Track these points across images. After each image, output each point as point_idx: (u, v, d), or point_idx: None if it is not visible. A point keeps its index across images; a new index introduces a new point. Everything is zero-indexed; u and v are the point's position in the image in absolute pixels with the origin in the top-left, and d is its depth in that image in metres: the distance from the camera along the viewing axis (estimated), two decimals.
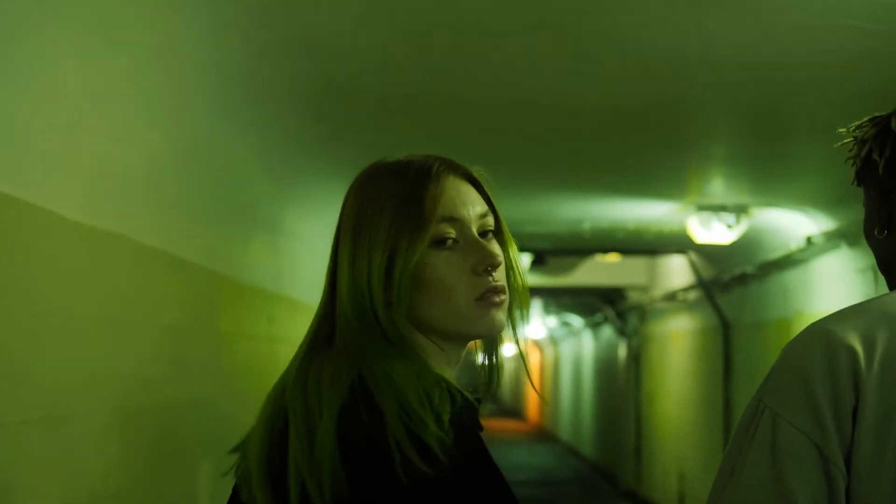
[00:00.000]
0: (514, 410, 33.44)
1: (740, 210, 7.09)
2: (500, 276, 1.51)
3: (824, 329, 1.58)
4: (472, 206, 1.52)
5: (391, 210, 1.47)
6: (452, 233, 1.49)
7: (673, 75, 4.18)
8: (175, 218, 4.06)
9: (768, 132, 5.22)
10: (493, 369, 1.61)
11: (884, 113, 1.76)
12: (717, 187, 6.78)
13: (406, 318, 1.48)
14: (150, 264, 3.77)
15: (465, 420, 1.42)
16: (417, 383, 1.39)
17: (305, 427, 1.38)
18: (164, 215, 3.92)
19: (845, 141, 1.80)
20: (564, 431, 22.71)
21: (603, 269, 12.99)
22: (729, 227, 7.04)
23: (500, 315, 1.50)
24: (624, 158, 6.01)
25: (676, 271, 11.40)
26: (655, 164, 6.15)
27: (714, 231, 7.11)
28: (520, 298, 1.58)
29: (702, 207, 7.13)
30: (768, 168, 6.16)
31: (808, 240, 7.07)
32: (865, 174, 1.76)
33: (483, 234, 1.52)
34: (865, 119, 1.77)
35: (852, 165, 1.79)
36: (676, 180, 6.66)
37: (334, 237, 1.55)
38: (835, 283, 6.97)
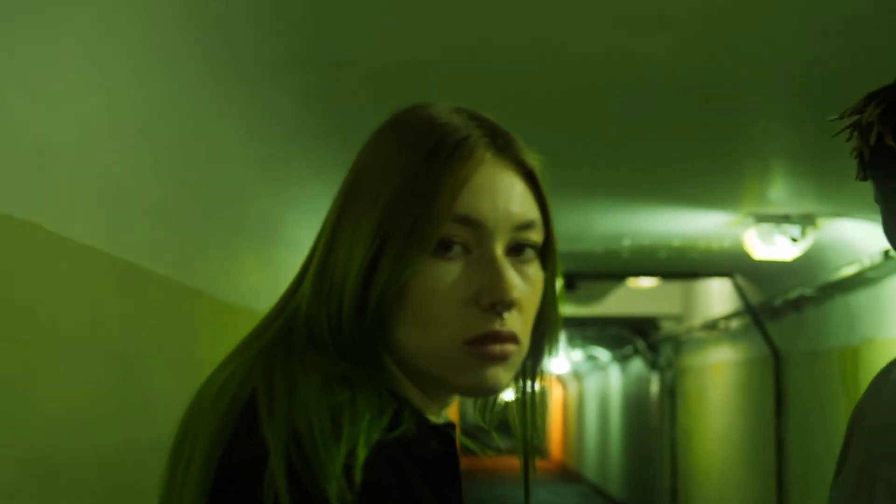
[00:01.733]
0: (535, 447, 33.54)
1: (806, 221, 6.36)
2: (514, 319, 1.13)
3: None
4: (508, 207, 1.15)
5: (391, 190, 1.14)
6: (463, 238, 1.13)
7: (731, 41, 3.59)
8: (131, 215, 3.43)
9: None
10: (525, 409, 1.25)
11: (877, 88, 1.55)
12: (780, 193, 6.07)
13: (379, 339, 1.15)
14: (92, 270, 3.08)
15: (410, 453, 1.05)
16: (323, 399, 1.05)
17: (170, 469, 1.13)
18: (114, 209, 3.25)
19: (841, 130, 1.60)
20: (590, 470, 22.63)
21: (635, 297, 12.70)
22: (794, 240, 6.23)
23: (499, 374, 1.14)
24: (671, 153, 5.40)
25: (716, 297, 11.09)
26: (708, 161, 5.53)
27: (776, 246, 6.32)
28: (544, 349, 1.24)
29: (761, 218, 6.35)
30: (841, 168, 5.32)
31: (886, 254, 6.32)
32: (878, 164, 1.55)
33: (516, 249, 1.15)
34: (859, 100, 1.58)
35: (855, 157, 1.59)
36: (732, 183, 6.00)
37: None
38: None
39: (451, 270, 1.12)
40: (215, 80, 3.93)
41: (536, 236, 1.16)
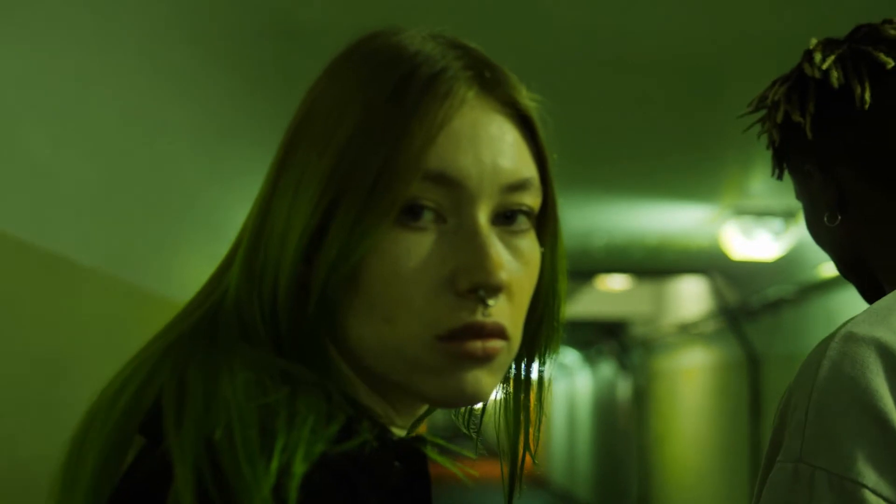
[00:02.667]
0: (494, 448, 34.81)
1: (788, 216, 6.07)
2: (502, 308, 0.90)
3: (875, 339, 1.24)
4: (496, 162, 0.90)
5: (343, 138, 0.89)
6: (436, 201, 0.89)
7: (715, 21, 3.49)
8: (59, 203, 3.18)
9: None
10: (518, 422, 1.02)
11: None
12: (761, 185, 5.86)
13: (326, 331, 0.91)
14: (10, 260, 2.85)
15: (366, 473, 0.82)
16: (251, 400, 0.81)
17: (56, 495, 0.92)
18: (38, 196, 3.00)
19: (753, 124, 1.54)
20: (557, 473, 22.65)
21: (605, 299, 12.64)
22: (775, 235, 5.99)
23: (481, 378, 0.90)
24: (647, 142, 5.22)
25: (690, 299, 11.04)
26: (685, 151, 5.38)
27: (757, 242, 6.07)
28: (541, 346, 1.00)
29: (741, 212, 6.15)
30: None
31: None
32: (790, 149, 1.49)
33: (506, 217, 0.91)
34: (765, 89, 1.52)
35: (770, 147, 1.53)
36: (711, 175, 5.86)
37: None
38: None
39: (420, 244, 0.90)
40: (156, 57, 3.66)
41: (532, 200, 0.94)
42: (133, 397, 0.90)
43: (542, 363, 1.02)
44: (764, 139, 1.56)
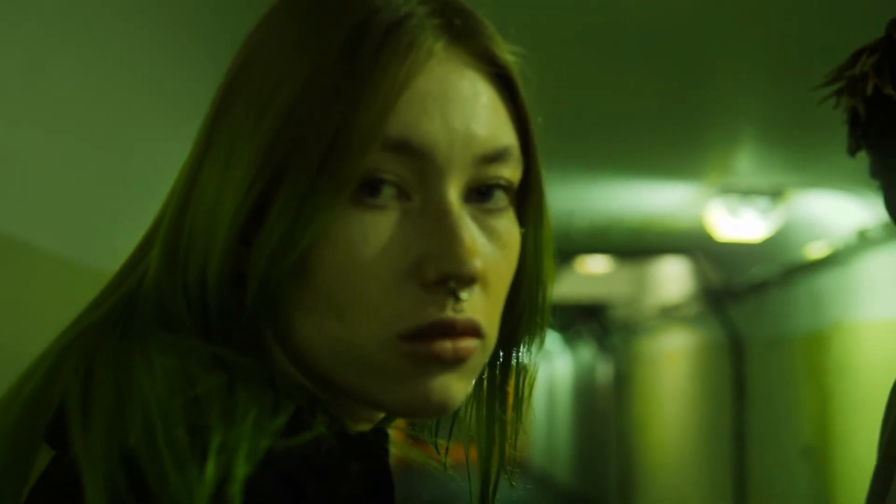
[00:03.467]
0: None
1: (775, 194, 5.97)
2: (476, 302, 0.79)
3: None
4: (469, 127, 0.79)
5: (287, 98, 0.77)
6: (398, 174, 0.78)
7: None
8: (8, 180, 2.99)
9: (815, 75, 4.27)
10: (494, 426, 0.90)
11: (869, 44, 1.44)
12: (747, 163, 5.74)
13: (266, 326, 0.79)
14: None
15: (319, 473, 0.71)
16: (176, 393, 0.70)
17: None
18: None
19: (827, 97, 1.50)
20: (537, 456, 22.86)
21: (585, 281, 12.52)
22: (762, 214, 5.85)
23: (451, 384, 0.79)
24: (628, 118, 5.09)
25: (671, 280, 10.98)
26: (668, 126, 5.23)
27: (742, 221, 5.94)
28: (521, 342, 0.88)
29: (726, 190, 6.03)
30: (815, 131, 5.04)
31: (862, 234, 5.98)
32: (876, 125, 1.43)
33: (481, 193, 0.80)
34: (846, 59, 1.47)
35: (848, 123, 1.47)
36: (695, 152, 5.73)
37: None
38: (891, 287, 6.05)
39: (379, 226, 0.78)
40: (122, 32, 3.51)
41: (511, 172, 0.82)
42: (31, 401, 0.79)
43: (520, 366, 0.88)
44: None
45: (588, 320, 15.14)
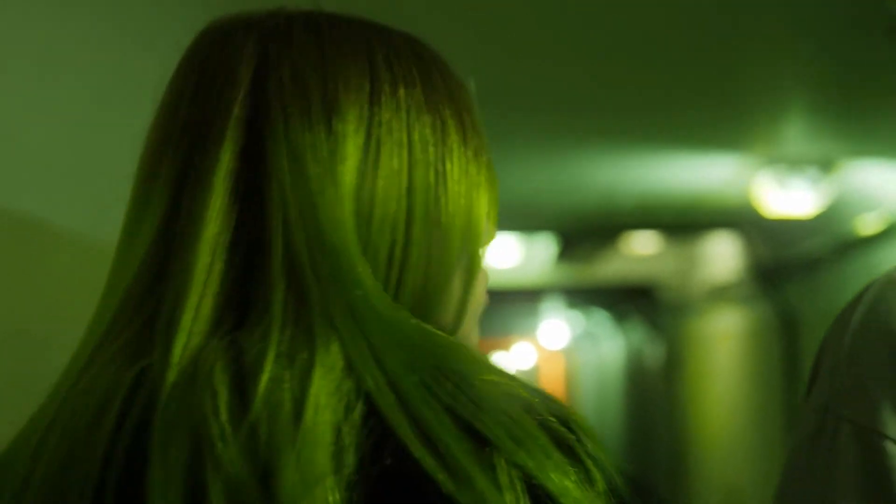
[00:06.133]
0: None
1: (825, 164, 5.80)
2: None
3: None
4: None
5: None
6: None
7: None
8: (17, 156, 2.91)
9: (865, 35, 4.03)
10: None
11: None
12: (795, 130, 5.59)
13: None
14: None
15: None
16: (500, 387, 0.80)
17: None
18: None
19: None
20: None
21: (632, 262, 12.67)
22: (813, 185, 5.66)
23: None
24: (669, 89, 5.02)
25: (721, 258, 10.98)
26: (711, 96, 5.15)
27: (793, 194, 5.74)
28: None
29: (775, 160, 5.80)
30: (867, 97, 4.97)
31: None
32: None
33: None
34: None
35: None
36: (740, 122, 5.58)
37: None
38: None
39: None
40: (134, 15, 3.50)
41: None
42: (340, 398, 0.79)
43: None
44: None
45: (636, 301, 15.21)
